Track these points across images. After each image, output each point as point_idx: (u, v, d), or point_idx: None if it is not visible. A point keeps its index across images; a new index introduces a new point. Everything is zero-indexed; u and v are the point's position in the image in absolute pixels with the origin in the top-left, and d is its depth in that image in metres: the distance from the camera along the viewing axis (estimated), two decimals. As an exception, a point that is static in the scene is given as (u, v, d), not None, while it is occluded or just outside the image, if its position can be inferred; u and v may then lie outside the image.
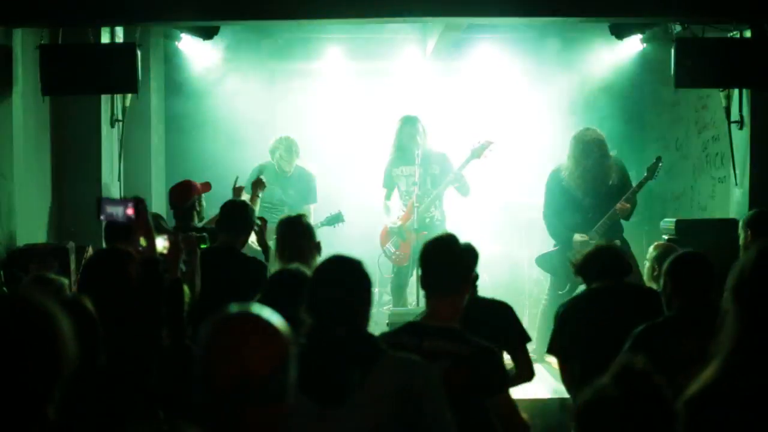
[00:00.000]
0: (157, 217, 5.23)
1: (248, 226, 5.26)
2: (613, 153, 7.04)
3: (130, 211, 3.61)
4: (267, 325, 1.89)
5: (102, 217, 3.68)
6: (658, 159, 6.99)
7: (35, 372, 1.64)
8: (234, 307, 1.93)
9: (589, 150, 6.85)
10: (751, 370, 2.07)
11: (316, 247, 4.52)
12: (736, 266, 2.22)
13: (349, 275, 2.85)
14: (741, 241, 5.63)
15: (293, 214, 5.03)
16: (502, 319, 4.24)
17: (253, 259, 5.24)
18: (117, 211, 3.66)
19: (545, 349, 4.87)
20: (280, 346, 1.88)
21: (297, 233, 4.53)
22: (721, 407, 2.04)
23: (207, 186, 6.63)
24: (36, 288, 3.80)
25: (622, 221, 7.01)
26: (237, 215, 5.26)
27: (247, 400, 1.83)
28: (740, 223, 5.77)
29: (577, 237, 6.88)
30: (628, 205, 6.87)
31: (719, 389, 2.06)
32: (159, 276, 3.43)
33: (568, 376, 4.45)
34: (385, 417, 2.67)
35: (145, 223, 3.58)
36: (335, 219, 7.60)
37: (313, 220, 7.64)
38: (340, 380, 2.68)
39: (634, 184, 6.96)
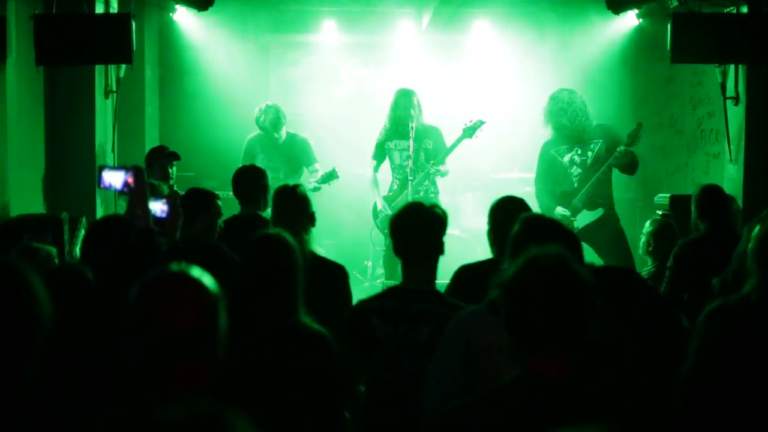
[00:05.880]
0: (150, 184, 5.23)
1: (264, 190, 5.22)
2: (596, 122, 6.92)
3: (130, 179, 3.63)
4: (193, 282, 1.92)
5: (102, 186, 3.71)
6: (639, 125, 6.83)
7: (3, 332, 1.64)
8: (165, 267, 1.96)
9: (564, 108, 6.83)
10: None
11: (310, 219, 4.48)
12: (760, 232, 2.76)
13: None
14: (693, 218, 5.38)
15: (290, 182, 4.97)
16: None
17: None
18: (116, 178, 3.67)
19: None
20: (206, 303, 1.91)
21: (290, 204, 4.49)
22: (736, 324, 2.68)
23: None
24: (22, 257, 3.80)
25: (613, 194, 6.99)
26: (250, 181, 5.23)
27: (175, 355, 1.86)
28: (692, 198, 5.45)
29: (559, 210, 6.90)
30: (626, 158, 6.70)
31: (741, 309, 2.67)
32: (154, 244, 3.43)
33: None
34: None
35: (143, 191, 3.58)
36: (329, 176, 7.52)
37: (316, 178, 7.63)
38: None
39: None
